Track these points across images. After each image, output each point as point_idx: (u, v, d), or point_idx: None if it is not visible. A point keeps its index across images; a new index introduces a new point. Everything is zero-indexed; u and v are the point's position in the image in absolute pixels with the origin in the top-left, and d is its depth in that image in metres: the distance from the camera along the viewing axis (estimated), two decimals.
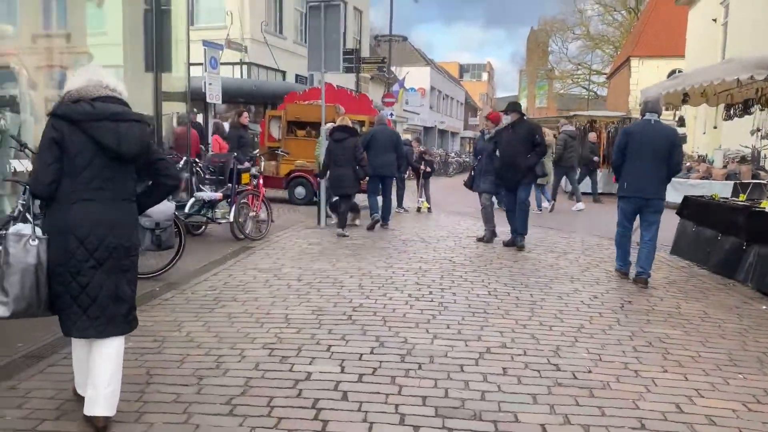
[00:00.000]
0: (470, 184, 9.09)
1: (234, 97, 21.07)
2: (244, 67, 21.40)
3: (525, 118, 8.54)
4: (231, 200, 8.31)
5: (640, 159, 6.14)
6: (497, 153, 8.31)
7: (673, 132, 6.36)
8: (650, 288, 6.15)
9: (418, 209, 12.61)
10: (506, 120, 8.31)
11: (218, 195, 8.22)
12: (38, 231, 2.92)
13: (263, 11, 21.96)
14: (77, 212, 2.87)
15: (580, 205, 13.40)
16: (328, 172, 9.21)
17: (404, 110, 38.46)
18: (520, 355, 4.08)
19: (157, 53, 8.36)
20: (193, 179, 8.76)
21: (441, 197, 14.53)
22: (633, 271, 6.45)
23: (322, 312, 4.94)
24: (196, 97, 16.98)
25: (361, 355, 3.97)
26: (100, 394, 2.90)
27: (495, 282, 6.18)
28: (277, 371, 3.67)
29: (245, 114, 11.65)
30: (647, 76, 35.76)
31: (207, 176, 8.48)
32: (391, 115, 25.10)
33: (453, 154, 36.54)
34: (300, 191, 13.16)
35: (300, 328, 4.49)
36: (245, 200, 8.42)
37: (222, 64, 20.27)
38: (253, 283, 5.85)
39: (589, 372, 3.81)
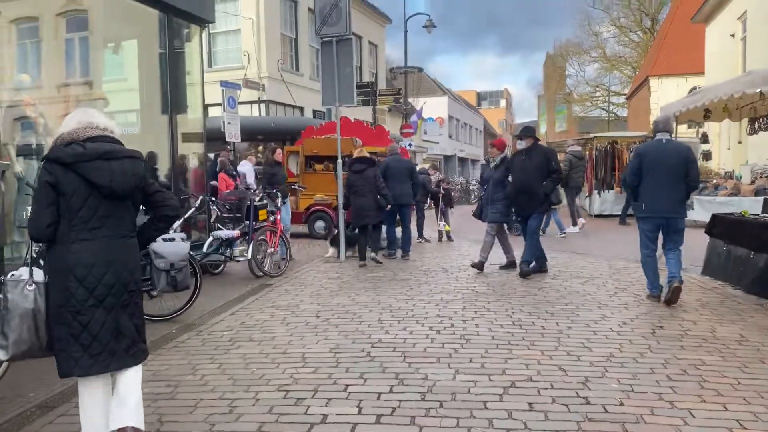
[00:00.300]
0: (479, 214, 8.87)
1: (253, 134, 21.32)
2: (262, 105, 21.67)
3: (539, 142, 8.38)
4: (249, 237, 8.29)
5: (655, 179, 6.13)
6: (509, 179, 8.13)
7: (686, 149, 6.32)
8: (682, 311, 5.90)
9: (440, 235, 12.46)
10: (520, 146, 8.18)
11: (236, 233, 8.19)
12: (37, 275, 2.98)
13: (279, 49, 22.31)
14: (76, 252, 2.89)
15: (574, 229, 13.30)
16: (351, 204, 9.33)
17: (423, 140, 38.55)
18: (546, 388, 3.88)
19: (172, 95, 8.45)
20: (211, 218, 8.77)
21: (462, 224, 14.34)
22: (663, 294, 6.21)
23: (339, 349, 4.80)
24: (216, 137, 17.33)
25: (380, 394, 3.81)
26: (128, 406, 2.97)
27: (519, 311, 5.98)
28: (291, 414, 3.53)
29: (279, 151, 11.64)
30: (667, 95, 35.40)
31: (224, 214, 8.46)
32: (410, 145, 25.11)
33: (474, 182, 36.34)
34: (320, 225, 13.11)
35: (317, 367, 4.35)
36: (263, 237, 8.37)
37: (240, 103, 20.57)
38: (271, 322, 5.74)
39: (621, 405, 3.59)
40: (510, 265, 8.40)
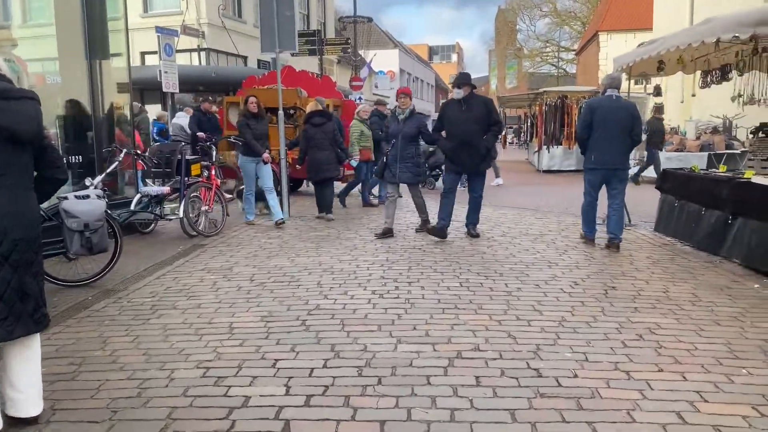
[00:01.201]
0: (381, 173, 7.61)
1: (192, 85, 20.19)
2: (203, 53, 20.51)
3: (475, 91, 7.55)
4: (180, 194, 7.68)
5: (605, 133, 6.44)
6: (443, 133, 7.37)
7: (632, 106, 6.71)
8: (635, 270, 5.70)
9: None
10: (458, 95, 7.18)
11: (165, 189, 7.57)
12: None
13: None
14: None
15: (500, 180, 14.08)
16: (308, 158, 9.07)
17: (374, 94, 37.72)
18: (495, 359, 3.56)
19: (92, 42, 7.59)
20: (138, 173, 8.10)
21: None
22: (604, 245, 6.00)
23: (272, 318, 4.36)
24: (153, 87, 16.28)
25: (312, 370, 3.41)
26: (26, 396, 2.83)
27: (467, 271, 5.66)
28: (209, 397, 3.10)
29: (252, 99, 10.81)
30: (616, 50, 35.41)
31: (153, 169, 7.79)
32: (360, 99, 24.44)
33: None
34: None
35: (244, 339, 3.92)
36: (196, 193, 7.77)
37: (178, 51, 19.39)
38: (199, 287, 5.24)
39: (575, 377, 3.30)
40: (425, 224, 7.72)
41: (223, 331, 4.08)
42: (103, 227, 5.10)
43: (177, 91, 15.75)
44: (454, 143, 7.18)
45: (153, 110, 17.92)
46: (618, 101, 6.57)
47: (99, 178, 6.76)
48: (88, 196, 5.13)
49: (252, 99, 8.60)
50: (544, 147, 18.20)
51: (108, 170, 6.90)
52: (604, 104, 6.59)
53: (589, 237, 6.91)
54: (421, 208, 7.80)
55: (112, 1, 8.14)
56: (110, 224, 5.43)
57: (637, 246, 6.88)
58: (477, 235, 7.39)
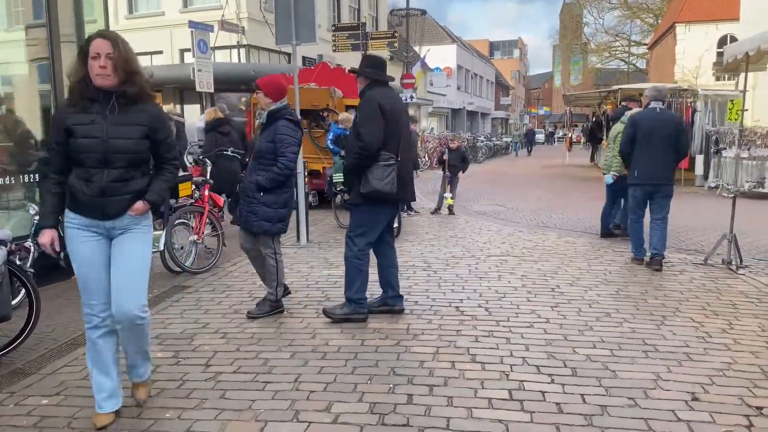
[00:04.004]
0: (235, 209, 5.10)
1: (231, 84, 19.01)
2: (242, 50, 19.29)
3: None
4: (164, 221, 6.21)
5: (649, 146, 6.32)
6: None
7: (678, 118, 6.78)
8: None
9: (439, 206, 10.37)
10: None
11: None
12: None
13: None
14: None
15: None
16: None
17: (428, 92, 35.91)
18: None
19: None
20: None
21: (462, 190, 12.14)
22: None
23: None
24: (187, 86, 15.11)
25: None
26: None
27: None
28: None
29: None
30: (695, 44, 32.58)
31: None
32: (411, 98, 22.75)
33: (482, 138, 33.91)
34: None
35: None
36: (184, 220, 6.29)
37: (216, 48, 18.22)
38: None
39: None
40: (265, 303, 4.85)
41: None
42: (0, 288, 3.64)
43: (212, 90, 14.45)
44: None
45: (191, 111, 16.87)
46: (663, 114, 6.44)
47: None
48: None
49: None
50: None
51: None
52: (648, 117, 6.43)
53: (638, 257, 6.54)
54: (270, 275, 4.82)
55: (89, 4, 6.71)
56: (19, 277, 3.96)
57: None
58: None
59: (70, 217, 2.99)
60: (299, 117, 6.63)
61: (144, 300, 3.04)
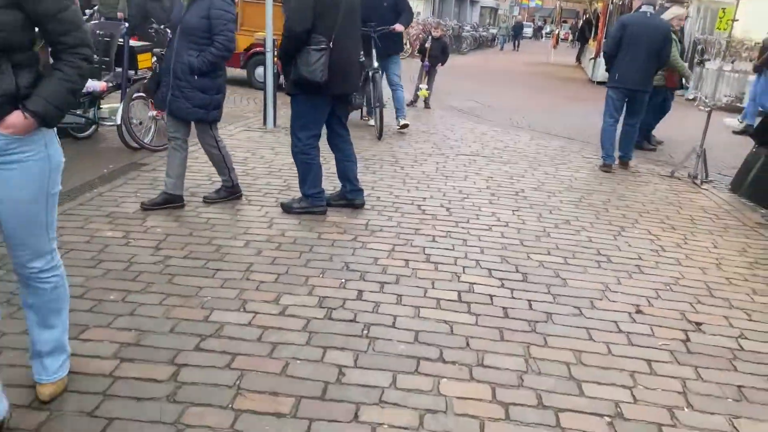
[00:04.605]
0: (155, 92, 4.45)
1: None
2: None
3: None
4: (122, 93, 5.91)
5: (633, 51, 6.31)
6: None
7: (667, 26, 6.61)
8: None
9: (414, 99, 10.04)
10: None
11: (100, 85, 5.80)
12: None
13: None
14: None
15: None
16: None
17: None
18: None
19: None
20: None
21: (441, 82, 11.79)
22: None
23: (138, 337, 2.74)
24: None
25: None
26: None
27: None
28: None
29: None
30: None
31: None
32: None
33: (468, 27, 32.69)
34: (261, 72, 10.53)
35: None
36: (143, 94, 5.98)
37: None
38: (78, 253, 3.59)
39: None
40: (222, 190, 4.67)
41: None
42: None
43: None
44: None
45: None
46: (652, 19, 6.43)
47: None
48: None
49: None
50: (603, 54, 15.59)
51: None
52: (636, 22, 6.41)
53: (607, 163, 6.54)
54: (219, 164, 4.57)
55: None
56: None
57: (714, 217, 5.01)
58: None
59: None
60: None
61: (47, 248, 2.19)
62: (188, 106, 4.15)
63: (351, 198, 4.68)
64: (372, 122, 7.80)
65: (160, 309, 3.00)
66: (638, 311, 3.35)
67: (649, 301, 3.48)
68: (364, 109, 8.01)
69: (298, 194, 4.59)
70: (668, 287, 3.69)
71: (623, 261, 4.05)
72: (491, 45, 35.96)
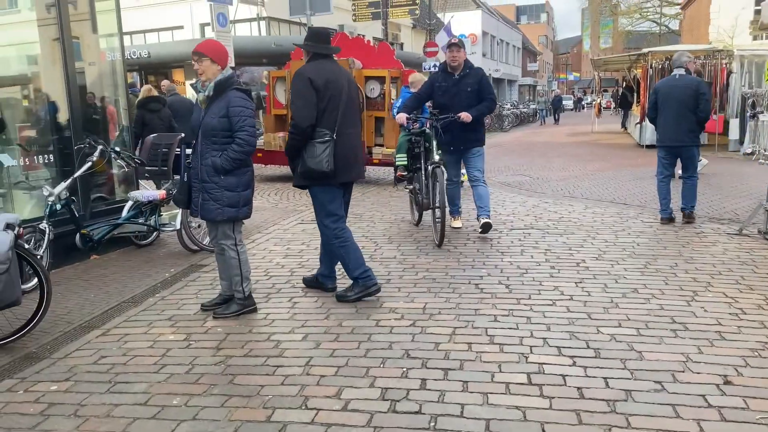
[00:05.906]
0: (185, 200, 4.32)
1: (252, 57, 18.88)
2: (262, 22, 19.07)
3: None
4: None
5: (667, 111, 6.75)
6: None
7: (697, 83, 6.83)
8: None
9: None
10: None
11: (160, 194, 6.05)
12: None
13: None
14: None
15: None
16: None
17: None
18: None
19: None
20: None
21: (487, 161, 11.84)
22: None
23: None
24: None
25: None
26: None
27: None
28: None
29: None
30: (731, 1, 31.17)
31: (147, 167, 6.28)
32: (435, 66, 22.29)
33: (509, 105, 33.23)
34: None
35: None
36: None
37: (236, 21, 18.02)
38: (141, 359, 3.62)
39: None
40: (229, 302, 4.38)
41: None
42: (7, 273, 3.59)
43: (232, 64, 14.28)
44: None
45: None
46: (681, 80, 6.77)
47: (62, 185, 5.32)
48: None
49: None
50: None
51: (76, 174, 5.44)
52: (666, 84, 6.92)
53: (664, 217, 6.86)
54: (232, 269, 4.30)
55: None
56: (29, 263, 3.91)
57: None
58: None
59: None
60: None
61: None
62: (217, 206, 4.07)
63: (322, 282, 4.72)
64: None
65: (223, 411, 2.95)
66: (727, 382, 3.09)
67: (737, 371, 3.21)
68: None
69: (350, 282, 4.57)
70: (756, 353, 3.42)
71: (701, 328, 3.80)
72: (532, 120, 36.32)
